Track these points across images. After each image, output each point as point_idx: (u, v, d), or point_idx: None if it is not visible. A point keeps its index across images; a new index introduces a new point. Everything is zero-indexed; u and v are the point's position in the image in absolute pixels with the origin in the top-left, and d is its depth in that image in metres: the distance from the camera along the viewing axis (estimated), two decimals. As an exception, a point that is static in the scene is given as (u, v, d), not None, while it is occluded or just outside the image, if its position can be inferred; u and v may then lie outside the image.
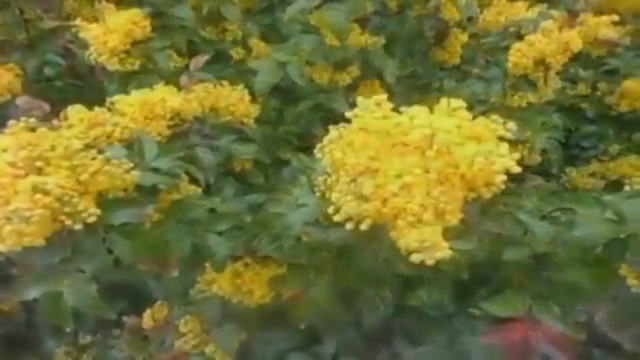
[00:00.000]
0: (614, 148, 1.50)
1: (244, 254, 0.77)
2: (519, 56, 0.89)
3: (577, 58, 1.39)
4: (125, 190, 0.63)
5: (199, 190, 0.79)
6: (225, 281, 0.77)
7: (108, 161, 0.54)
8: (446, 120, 0.40)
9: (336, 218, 0.43)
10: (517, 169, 0.41)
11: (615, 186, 1.32)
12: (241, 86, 0.94)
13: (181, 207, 0.70)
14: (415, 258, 0.41)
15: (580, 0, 0.89)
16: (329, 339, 0.84)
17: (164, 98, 0.73)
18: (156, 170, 0.66)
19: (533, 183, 1.13)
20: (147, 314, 0.99)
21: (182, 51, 0.98)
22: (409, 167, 0.40)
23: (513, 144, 1.11)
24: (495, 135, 0.42)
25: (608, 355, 0.75)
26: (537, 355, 0.59)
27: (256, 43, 1.07)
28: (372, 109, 0.41)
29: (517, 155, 0.40)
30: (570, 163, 1.53)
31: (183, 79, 0.80)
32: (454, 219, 0.43)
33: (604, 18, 0.94)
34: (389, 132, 0.41)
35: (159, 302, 0.98)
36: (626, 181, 0.70)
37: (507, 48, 0.92)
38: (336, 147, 0.42)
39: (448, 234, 0.49)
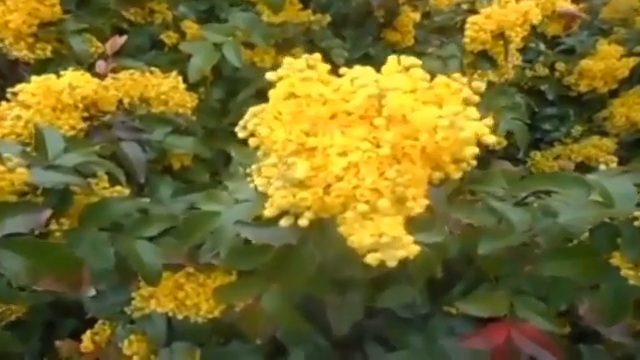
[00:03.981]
0: (576, 130, 1.48)
1: (185, 262, 0.66)
2: (476, 30, 0.82)
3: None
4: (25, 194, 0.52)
5: (126, 191, 0.68)
6: (164, 295, 0.66)
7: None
8: (397, 79, 0.31)
9: (266, 213, 0.33)
10: (492, 138, 0.33)
11: (581, 168, 1.29)
12: (174, 73, 0.83)
13: (98, 210, 0.59)
14: (371, 259, 0.31)
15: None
16: (296, 350, 0.77)
17: (72, 84, 0.62)
18: (60, 168, 0.54)
19: (500, 167, 1.07)
20: (86, 337, 0.87)
21: (105, 35, 0.86)
22: (355, 142, 0.31)
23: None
24: (459, 97, 0.33)
25: (592, 347, 0.70)
26: (524, 356, 0.53)
27: (189, 25, 0.96)
28: (301, 69, 0.31)
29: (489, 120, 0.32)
30: (534, 147, 1.50)
31: (99, 64, 0.68)
32: (418, 206, 0.33)
33: (559, -9, 0.90)
34: (327, 98, 0.31)
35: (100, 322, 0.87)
36: (600, 160, 0.64)
37: (461, 26, 0.84)
38: (261, 122, 0.33)
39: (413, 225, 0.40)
